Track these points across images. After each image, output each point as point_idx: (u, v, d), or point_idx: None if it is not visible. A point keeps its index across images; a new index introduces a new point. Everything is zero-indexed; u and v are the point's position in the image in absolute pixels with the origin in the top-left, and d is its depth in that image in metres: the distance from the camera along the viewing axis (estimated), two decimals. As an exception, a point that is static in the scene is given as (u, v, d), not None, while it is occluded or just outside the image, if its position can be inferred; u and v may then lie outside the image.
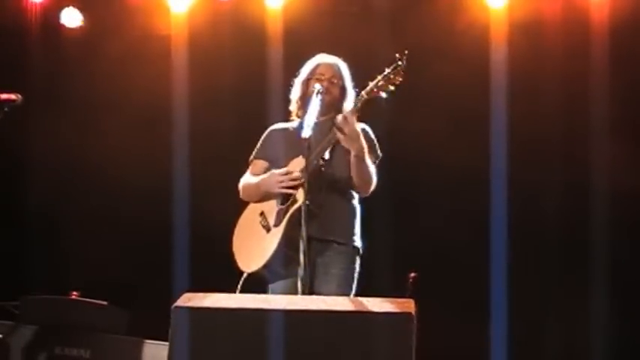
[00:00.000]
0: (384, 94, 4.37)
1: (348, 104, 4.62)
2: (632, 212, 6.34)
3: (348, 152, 4.40)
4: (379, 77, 4.35)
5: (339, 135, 4.28)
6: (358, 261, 4.52)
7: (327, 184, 4.43)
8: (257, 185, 4.55)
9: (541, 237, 6.51)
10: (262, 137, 4.72)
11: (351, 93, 4.65)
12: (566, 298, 6.39)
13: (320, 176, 4.40)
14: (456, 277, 6.36)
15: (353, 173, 4.41)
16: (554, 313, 6.45)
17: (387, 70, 4.34)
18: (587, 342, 6.24)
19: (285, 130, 4.67)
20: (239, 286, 4.44)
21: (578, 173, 6.44)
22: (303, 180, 4.19)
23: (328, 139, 4.39)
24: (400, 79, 4.34)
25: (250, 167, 4.70)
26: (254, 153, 4.71)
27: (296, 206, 4.33)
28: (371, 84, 4.37)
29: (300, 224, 4.06)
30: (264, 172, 4.62)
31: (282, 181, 4.42)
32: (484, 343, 6.10)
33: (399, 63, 4.33)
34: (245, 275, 4.48)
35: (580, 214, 6.40)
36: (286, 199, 4.43)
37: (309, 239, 4.09)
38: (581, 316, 6.29)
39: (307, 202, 4.10)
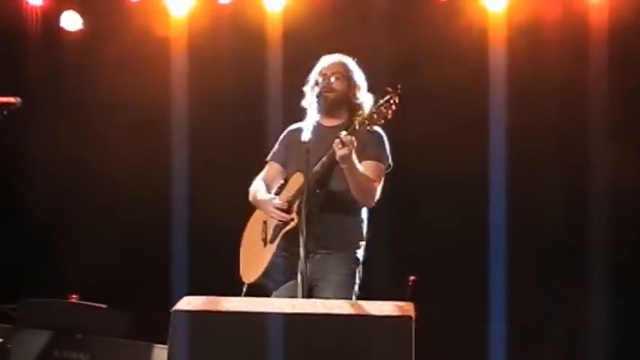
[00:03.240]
0: (375, 127, 4.33)
1: (360, 96, 4.56)
2: (632, 213, 6.34)
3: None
4: (372, 109, 4.30)
5: (336, 149, 4.23)
6: (359, 271, 4.49)
7: (324, 199, 4.41)
8: (258, 202, 4.58)
9: (540, 239, 6.50)
10: (279, 138, 4.72)
11: (361, 84, 4.58)
12: (565, 301, 6.38)
13: (317, 193, 4.37)
14: (456, 280, 6.36)
15: (350, 186, 4.37)
16: (553, 315, 6.44)
17: (380, 102, 4.27)
18: (586, 344, 6.24)
19: (297, 130, 4.54)
20: (244, 291, 4.47)
21: (577, 175, 6.45)
22: (294, 221, 4.25)
23: (323, 161, 4.34)
24: (392, 113, 4.25)
25: (266, 168, 4.71)
26: (270, 154, 4.71)
27: (289, 227, 4.33)
28: (363, 115, 4.33)
29: (294, 241, 4.07)
30: (277, 176, 4.65)
31: (274, 214, 4.42)
32: (483, 346, 6.10)
33: (392, 97, 4.25)
34: (246, 285, 4.51)
35: (579, 216, 6.40)
36: None
37: (307, 252, 4.09)
38: (581, 318, 6.29)
39: (304, 219, 4.10)
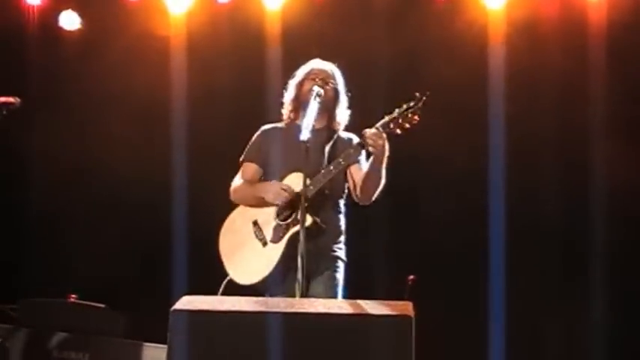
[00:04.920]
0: (399, 131, 4.31)
1: (341, 110, 4.64)
2: (631, 212, 6.33)
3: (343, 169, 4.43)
4: (396, 113, 4.30)
5: (371, 149, 4.28)
6: (342, 271, 4.52)
7: (326, 201, 4.46)
8: (254, 190, 4.55)
9: (540, 238, 6.50)
10: (253, 138, 4.71)
11: (344, 99, 4.65)
12: (565, 300, 6.38)
13: (327, 194, 4.43)
14: (455, 280, 6.35)
15: (367, 182, 4.42)
16: (552, 315, 6.44)
17: (405, 106, 4.29)
18: (586, 344, 6.24)
19: (280, 130, 4.65)
20: (220, 291, 4.44)
21: (577, 173, 6.44)
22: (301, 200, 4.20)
23: (339, 162, 4.38)
24: (417, 119, 4.28)
25: (241, 169, 4.69)
26: (245, 154, 4.70)
27: (297, 228, 4.24)
28: (387, 117, 4.32)
29: (299, 243, 4.03)
30: (255, 176, 4.64)
31: (281, 195, 4.40)
32: (483, 346, 6.09)
33: (418, 103, 4.28)
34: (227, 280, 4.48)
35: (579, 214, 6.39)
36: (286, 215, 4.44)
37: (310, 254, 4.10)
38: (580, 318, 6.28)
39: (316, 220, 4.23)
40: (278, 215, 4.46)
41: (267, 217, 4.48)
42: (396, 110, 4.31)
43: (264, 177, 4.64)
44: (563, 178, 6.45)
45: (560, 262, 6.44)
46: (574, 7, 6.50)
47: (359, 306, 3.52)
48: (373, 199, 4.51)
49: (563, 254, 6.44)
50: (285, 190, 4.40)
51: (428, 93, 4.27)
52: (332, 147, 4.52)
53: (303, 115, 4.32)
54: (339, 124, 4.63)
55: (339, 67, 4.72)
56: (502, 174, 6.30)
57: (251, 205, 4.57)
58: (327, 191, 4.42)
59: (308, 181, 4.28)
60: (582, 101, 6.38)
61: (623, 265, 6.28)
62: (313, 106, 4.34)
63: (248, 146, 4.70)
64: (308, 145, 4.05)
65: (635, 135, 6.36)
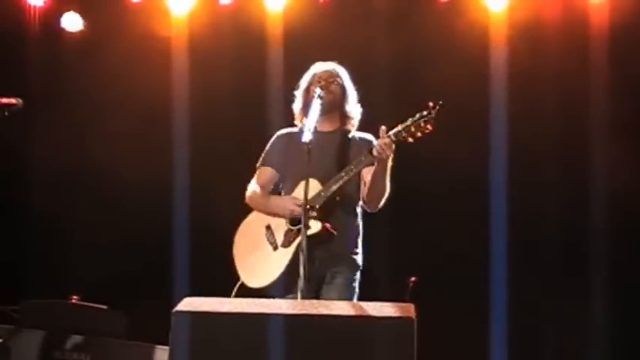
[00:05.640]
0: (410, 140, 4.30)
1: (352, 105, 4.63)
2: (632, 213, 6.33)
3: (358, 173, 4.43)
4: (409, 121, 4.29)
5: (376, 152, 4.28)
6: (358, 278, 4.53)
7: (339, 207, 4.46)
8: (267, 204, 4.57)
9: (541, 239, 6.50)
10: (269, 143, 4.72)
11: (352, 94, 4.65)
12: (565, 301, 6.38)
13: (337, 200, 4.43)
14: (456, 281, 6.35)
15: (371, 190, 4.42)
16: (554, 316, 6.44)
17: (418, 116, 4.27)
18: (586, 344, 6.24)
19: (291, 135, 4.66)
20: (233, 293, 4.45)
21: (578, 173, 6.44)
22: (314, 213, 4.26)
23: (350, 168, 4.38)
24: (430, 129, 4.27)
25: (257, 173, 4.71)
26: (261, 159, 4.72)
27: (309, 233, 4.20)
28: (400, 126, 4.30)
29: (309, 248, 4.02)
30: (271, 180, 4.66)
31: (293, 210, 4.40)
32: (484, 347, 6.09)
33: (431, 112, 4.27)
34: (239, 283, 4.49)
35: (580, 215, 6.40)
36: (297, 220, 4.42)
37: (321, 259, 4.09)
38: (581, 318, 6.28)
39: (326, 226, 4.25)
40: (289, 220, 4.47)
41: (280, 222, 4.49)
42: (410, 119, 4.30)
43: (281, 181, 4.65)
44: (565, 179, 6.46)
45: (562, 262, 6.44)
46: (575, 9, 6.50)
47: (361, 308, 3.52)
48: (379, 206, 4.51)
49: (564, 255, 6.44)
50: (299, 205, 4.37)
51: (441, 102, 4.26)
52: (345, 149, 4.52)
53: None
54: (352, 119, 4.63)
55: (340, 67, 4.72)
56: (503, 175, 6.30)
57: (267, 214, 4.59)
58: (337, 197, 4.42)
59: (319, 187, 4.34)
60: (584, 103, 6.39)
61: (623, 266, 6.28)
62: (315, 108, 4.34)
63: (265, 151, 4.71)
64: (309, 147, 4.05)
65: (636, 136, 6.36)
